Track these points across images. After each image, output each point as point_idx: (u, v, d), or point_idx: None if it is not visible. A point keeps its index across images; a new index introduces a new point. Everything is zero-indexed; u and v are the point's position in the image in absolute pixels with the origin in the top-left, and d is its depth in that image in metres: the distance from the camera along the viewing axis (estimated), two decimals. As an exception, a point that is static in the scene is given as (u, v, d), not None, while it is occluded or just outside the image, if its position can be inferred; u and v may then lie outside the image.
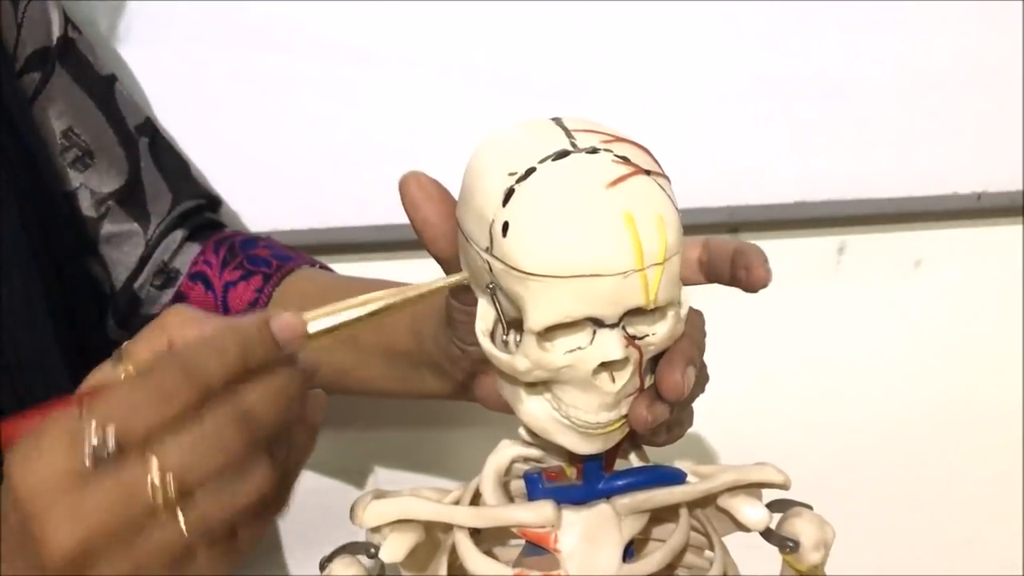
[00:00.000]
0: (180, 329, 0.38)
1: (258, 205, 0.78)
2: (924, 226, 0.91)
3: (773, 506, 0.48)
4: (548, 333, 0.40)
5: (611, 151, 0.40)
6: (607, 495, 0.45)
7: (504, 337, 0.42)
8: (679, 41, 0.80)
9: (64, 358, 0.59)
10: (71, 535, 0.34)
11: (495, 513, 0.44)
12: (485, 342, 0.42)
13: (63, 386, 0.57)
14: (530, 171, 0.39)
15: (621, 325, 0.40)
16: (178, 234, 0.68)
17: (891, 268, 0.92)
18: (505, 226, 0.39)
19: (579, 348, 0.40)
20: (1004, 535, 1.02)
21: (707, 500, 0.47)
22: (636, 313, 0.40)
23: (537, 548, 0.45)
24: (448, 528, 0.46)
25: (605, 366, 0.40)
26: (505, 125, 0.43)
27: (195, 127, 0.76)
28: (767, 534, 0.47)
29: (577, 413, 0.42)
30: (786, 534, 0.47)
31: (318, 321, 0.40)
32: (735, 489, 0.47)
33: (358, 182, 0.78)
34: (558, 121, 0.42)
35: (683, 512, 0.47)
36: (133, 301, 0.67)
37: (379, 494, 0.45)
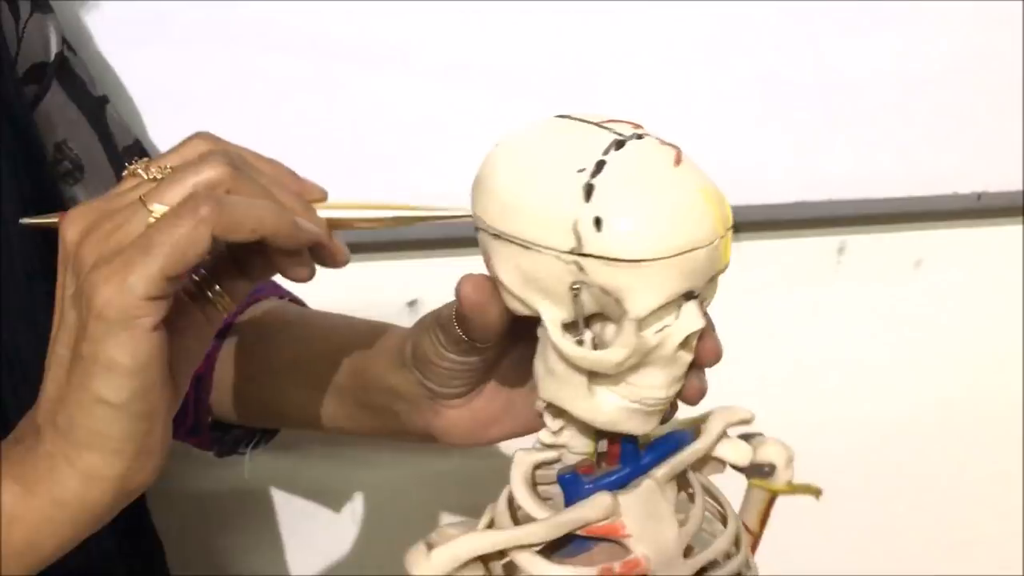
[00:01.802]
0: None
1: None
2: (924, 226, 0.91)
3: (743, 440, 0.51)
4: (646, 318, 0.41)
5: (649, 135, 0.41)
6: (647, 471, 0.45)
7: (579, 337, 0.42)
8: (679, 41, 0.80)
9: None
10: (75, 228, 0.40)
11: (563, 520, 0.44)
12: (568, 346, 0.42)
13: None
14: (600, 164, 0.40)
15: (700, 295, 0.42)
16: None
17: (891, 268, 0.92)
18: (597, 221, 0.39)
19: (666, 325, 0.41)
20: (1004, 535, 1.02)
21: (705, 455, 0.49)
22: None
23: (582, 544, 0.45)
24: (497, 555, 0.45)
25: (687, 338, 0.42)
26: (516, 132, 0.43)
27: (193, 127, 0.76)
28: (746, 467, 0.50)
29: (652, 392, 0.42)
30: (762, 461, 0.50)
31: (329, 211, 0.46)
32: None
33: (358, 182, 0.78)
34: (571, 116, 0.42)
35: (690, 472, 0.48)
36: None
37: (429, 543, 0.45)
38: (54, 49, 0.64)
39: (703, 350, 0.43)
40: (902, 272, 0.93)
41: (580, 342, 0.42)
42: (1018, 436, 0.99)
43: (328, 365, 0.58)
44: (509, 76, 0.78)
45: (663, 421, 0.48)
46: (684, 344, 0.42)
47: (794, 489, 0.51)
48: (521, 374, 0.52)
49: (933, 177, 0.87)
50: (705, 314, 0.44)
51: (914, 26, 0.83)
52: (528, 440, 0.79)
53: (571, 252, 0.40)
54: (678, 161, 0.41)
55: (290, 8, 0.74)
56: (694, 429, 0.49)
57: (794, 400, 0.93)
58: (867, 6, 0.81)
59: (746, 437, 0.51)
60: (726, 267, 0.42)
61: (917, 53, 0.84)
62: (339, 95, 0.77)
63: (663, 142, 0.42)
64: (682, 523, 0.46)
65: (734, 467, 0.50)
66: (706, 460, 0.50)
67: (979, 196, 0.88)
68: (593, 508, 0.44)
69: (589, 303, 0.41)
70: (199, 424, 0.66)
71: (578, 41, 0.79)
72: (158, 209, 0.40)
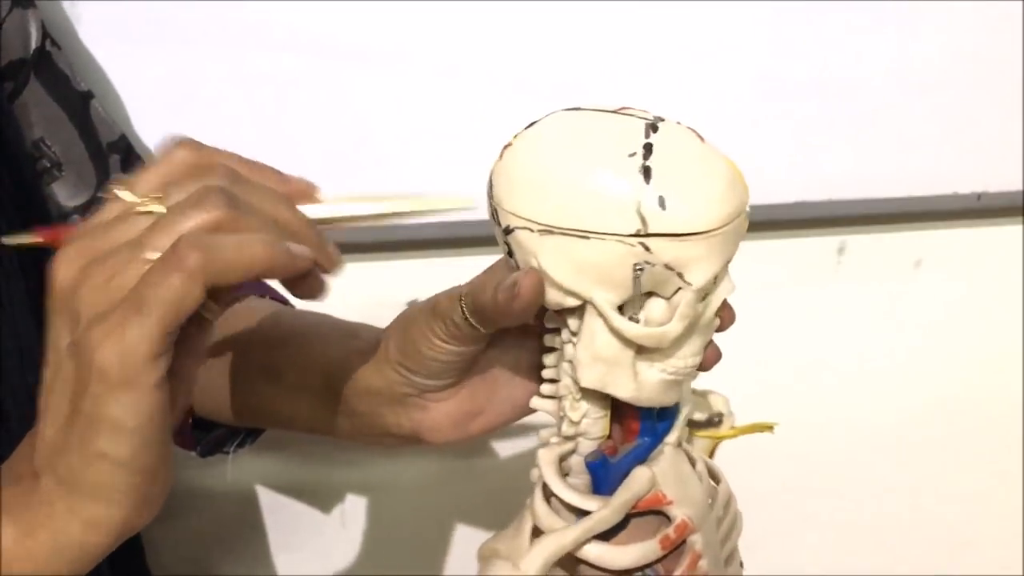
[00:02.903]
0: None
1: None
2: (924, 226, 0.91)
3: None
4: (703, 287, 0.43)
5: (664, 116, 0.43)
6: (662, 439, 0.47)
7: (635, 316, 0.43)
8: (679, 41, 0.80)
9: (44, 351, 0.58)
10: (67, 271, 0.39)
11: (620, 502, 0.45)
12: (629, 326, 0.43)
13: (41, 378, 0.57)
14: (648, 147, 0.41)
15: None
16: None
17: (891, 268, 0.92)
18: (661, 200, 0.41)
19: (707, 294, 0.43)
20: (1004, 535, 1.02)
21: None
22: None
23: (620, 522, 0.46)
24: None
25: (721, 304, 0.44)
26: (537, 129, 0.43)
27: (192, 128, 0.76)
28: (693, 422, 0.53)
29: (687, 361, 0.44)
30: (711, 414, 0.54)
31: (323, 206, 0.45)
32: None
33: (357, 182, 0.78)
34: (589, 107, 0.43)
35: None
36: None
37: (505, 558, 0.46)
38: (34, 45, 0.63)
39: (724, 315, 0.46)
40: (902, 272, 0.93)
41: (636, 321, 0.43)
42: (1018, 436, 0.99)
43: (304, 368, 0.57)
44: (509, 76, 0.78)
45: None
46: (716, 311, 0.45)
47: (741, 431, 0.54)
48: (503, 363, 0.52)
49: (933, 177, 0.87)
50: None
51: (914, 26, 0.83)
52: (526, 439, 0.80)
53: (636, 235, 0.41)
54: (702, 138, 0.43)
55: (283, 7, 0.74)
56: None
57: (794, 400, 0.93)
58: (867, 6, 0.81)
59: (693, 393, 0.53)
60: None
61: (917, 53, 0.84)
62: (339, 95, 0.77)
63: (678, 122, 0.43)
64: (700, 479, 0.48)
65: (691, 423, 0.52)
66: None
67: (979, 196, 0.88)
68: (638, 483, 0.45)
69: (644, 283, 0.42)
70: (181, 424, 0.65)
71: (578, 41, 0.79)
72: (153, 256, 0.38)
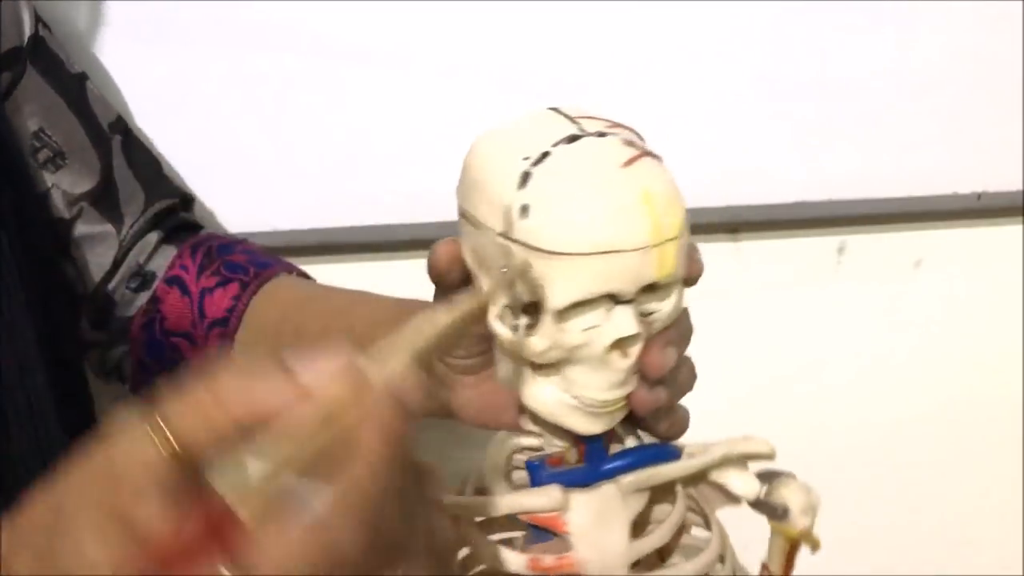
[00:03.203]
0: (231, 389, 0.32)
1: (255, 205, 0.78)
2: (924, 226, 0.91)
3: (760, 477, 0.49)
4: (566, 312, 0.40)
5: (617, 135, 0.42)
6: (611, 475, 0.45)
7: (514, 322, 0.42)
8: (679, 41, 0.80)
9: (42, 358, 0.58)
10: None
11: (504, 501, 0.45)
12: (497, 325, 0.42)
13: (40, 386, 0.56)
14: (544, 155, 0.40)
15: (635, 301, 0.41)
16: (153, 236, 0.67)
17: (891, 268, 0.92)
18: (524, 208, 0.40)
19: (594, 326, 0.41)
20: (1004, 535, 1.02)
21: (700, 476, 0.48)
22: (647, 289, 0.41)
23: (543, 533, 0.45)
24: (455, 522, 0.46)
25: (618, 343, 0.41)
26: (505, 120, 0.44)
27: (191, 127, 0.76)
28: (757, 504, 0.49)
29: (588, 392, 0.42)
30: (775, 502, 0.48)
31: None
32: (725, 463, 0.48)
33: (355, 182, 0.78)
34: (559, 110, 0.43)
35: (679, 489, 0.48)
36: (107, 303, 0.66)
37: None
38: (28, 32, 0.63)
39: (643, 360, 0.42)
40: (902, 272, 0.93)
41: (516, 327, 0.42)
42: (1018, 436, 0.99)
43: (358, 336, 0.58)
44: (510, 76, 0.78)
45: (669, 438, 0.48)
46: (618, 348, 0.41)
47: (804, 537, 0.49)
48: None
49: (933, 177, 0.87)
50: (680, 325, 0.44)
51: (914, 26, 0.83)
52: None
53: (502, 235, 0.40)
54: (629, 163, 0.40)
55: (283, 7, 0.74)
56: (681, 447, 0.48)
57: (793, 400, 0.93)
58: (867, 6, 0.81)
59: (772, 475, 0.49)
60: (670, 278, 0.41)
61: (917, 53, 0.84)
62: (336, 95, 0.77)
63: (630, 143, 0.41)
64: (639, 537, 0.45)
65: (738, 501, 0.49)
66: (700, 482, 0.49)
67: (979, 196, 0.88)
68: (539, 498, 0.45)
69: (521, 289, 0.41)
70: None
71: (578, 41, 0.79)
72: None
